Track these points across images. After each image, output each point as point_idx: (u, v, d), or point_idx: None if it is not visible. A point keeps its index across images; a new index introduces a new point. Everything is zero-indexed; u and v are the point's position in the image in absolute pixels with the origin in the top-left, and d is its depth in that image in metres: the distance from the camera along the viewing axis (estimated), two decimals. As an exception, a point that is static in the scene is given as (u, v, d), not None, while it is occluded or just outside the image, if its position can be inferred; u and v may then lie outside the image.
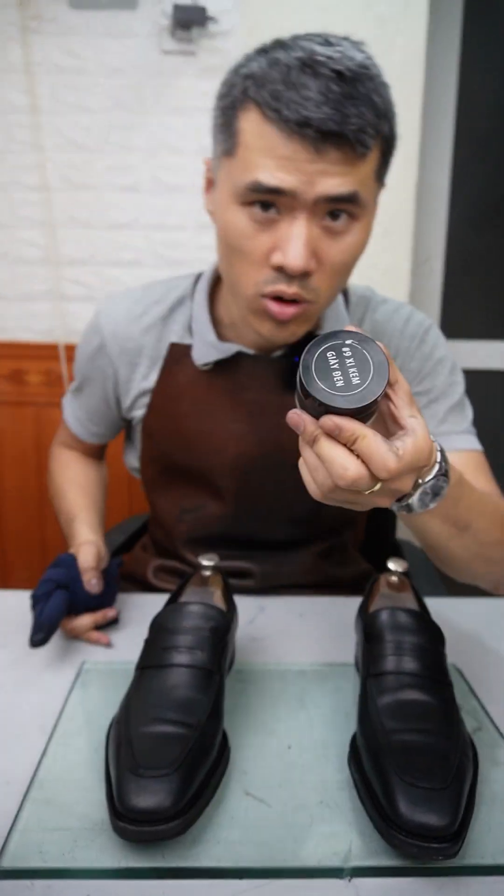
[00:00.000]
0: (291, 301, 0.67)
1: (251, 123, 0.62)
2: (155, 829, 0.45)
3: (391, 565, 0.67)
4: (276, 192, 0.62)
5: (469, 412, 0.86)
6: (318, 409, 0.43)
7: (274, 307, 0.67)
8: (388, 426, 0.48)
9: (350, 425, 0.43)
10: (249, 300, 0.69)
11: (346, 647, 0.72)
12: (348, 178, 0.61)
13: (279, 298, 0.67)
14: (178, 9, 1.40)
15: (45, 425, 1.67)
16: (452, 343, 1.91)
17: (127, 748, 0.49)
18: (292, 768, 0.55)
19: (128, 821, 0.45)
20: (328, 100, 0.58)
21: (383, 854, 0.47)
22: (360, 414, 0.43)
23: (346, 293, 0.85)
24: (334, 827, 0.49)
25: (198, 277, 0.87)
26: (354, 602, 0.82)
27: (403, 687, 0.55)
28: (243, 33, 1.46)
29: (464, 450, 0.82)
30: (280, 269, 0.64)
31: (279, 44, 0.63)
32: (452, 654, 0.67)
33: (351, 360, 0.42)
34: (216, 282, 0.84)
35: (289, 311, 0.67)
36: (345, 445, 0.44)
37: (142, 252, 1.59)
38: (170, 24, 1.44)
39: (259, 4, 1.46)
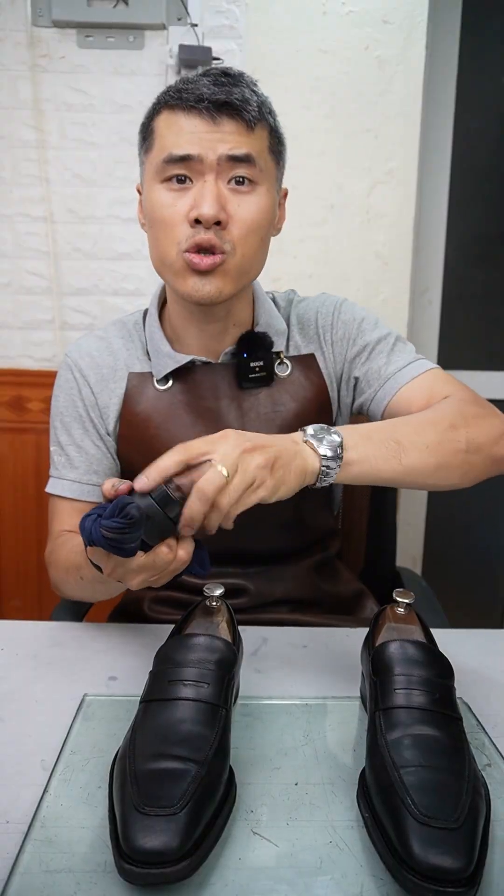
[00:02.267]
0: (209, 252, 0.76)
1: (162, 121, 0.77)
2: (162, 872, 0.43)
3: (398, 597, 0.66)
4: (185, 158, 0.75)
5: (409, 347, 0.90)
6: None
7: (194, 258, 0.76)
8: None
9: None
10: (173, 261, 0.78)
11: (351, 679, 0.71)
12: (242, 142, 0.75)
13: (199, 251, 0.76)
14: (183, 49, 1.44)
15: (45, 452, 1.65)
16: (450, 373, 1.93)
17: (132, 785, 0.48)
18: (300, 806, 0.53)
19: (133, 862, 0.44)
20: (217, 83, 0.75)
21: (396, 898, 0.45)
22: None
23: (273, 299, 0.94)
24: (345, 868, 0.48)
25: (145, 312, 0.94)
26: (358, 633, 0.81)
27: (413, 722, 0.54)
28: (247, 73, 1.51)
29: (416, 376, 0.85)
30: (196, 223, 0.75)
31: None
32: (459, 688, 0.66)
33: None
34: (163, 304, 0.92)
35: (207, 260, 0.76)
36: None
37: (143, 282, 1.61)
38: (175, 64, 1.49)
39: (262, 45, 1.50)
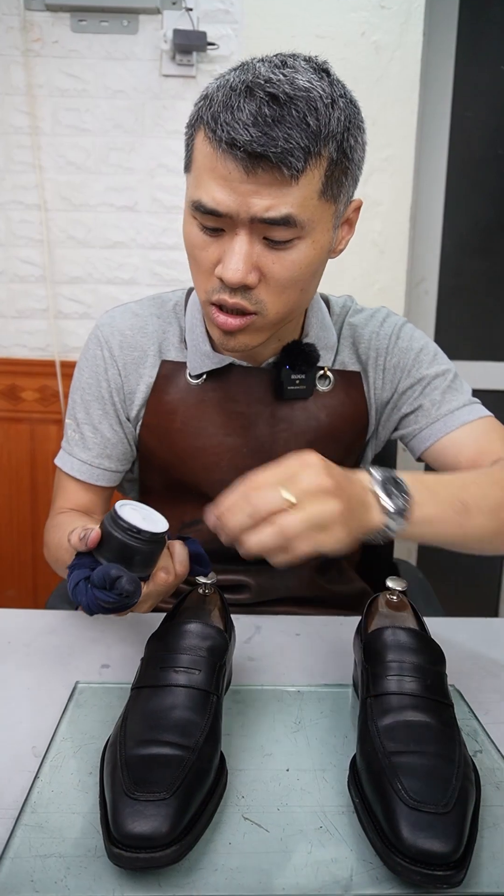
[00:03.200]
0: (236, 312, 0.69)
1: (200, 143, 0.66)
2: (151, 856, 0.43)
3: (390, 584, 0.66)
4: (214, 213, 0.65)
5: (466, 387, 0.86)
6: None
7: (219, 317, 0.69)
8: None
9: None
10: (203, 305, 0.72)
11: (344, 667, 0.71)
12: (281, 199, 0.63)
13: (223, 307, 0.69)
14: (178, 33, 1.43)
15: (39, 441, 1.66)
16: (447, 364, 1.93)
17: (122, 771, 0.48)
18: (290, 792, 0.53)
19: (123, 847, 0.44)
20: (257, 122, 0.60)
21: (385, 882, 0.45)
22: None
23: (328, 303, 0.88)
24: (335, 853, 0.48)
25: (190, 290, 0.88)
26: (351, 621, 0.81)
27: (404, 708, 0.54)
28: (243, 58, 1.49)
29: (468, 422, 0.82)
30: (223, 281, 0.67)
31: (242, 66, 0.65)
32: (452, 675, 0.66)
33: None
34: None
35: (232, 322, 0.69)
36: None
37: (138, 271, 1.60)
38: (170, 49, 1.47)
39: (258, 30, 1.49)
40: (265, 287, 0.67)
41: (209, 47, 1.45)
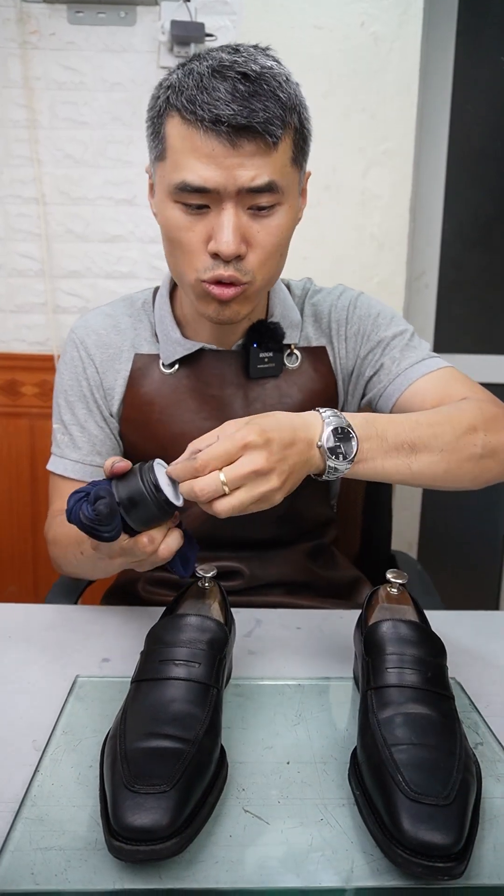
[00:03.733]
0: (230, 285, 0.73)
1: (175, 128, 0.69)
2: (152, 849, 0.43)
3: (391, 577, 0.66)
4: (201, 190, 0.68)
5: (424, 344, 0.88)
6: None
7: (215, 289, 0.73)
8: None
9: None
10: (193, 285, 0.75)
11: (344, 660, 0.71)
12: (263, 168, 0.68)
13: (219, 282, 0.73)
14: (176, 25, 1.42)
15: (39, 436, 1.66)
16: (446, 356, 1.92)
17: (122, 763, 0.48)
18: (291, 784, 0.53)
19: (123, 840, 0.44)
20: (235, 98, 0.66)
21: (386, 874, 0.45)
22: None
23: (288, 286, 0.92)
24: (335, 845, 0.48)
25: (155, 290, 0.92)
26: (352, 615, 0.81)
27: (405, 700, 0.54)
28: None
29: (428, 372, 0.84)
30: (216, 256, 0.71)
31: (195, 57, 0.71)
32: (452, 668, 0.66)
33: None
34: (175, 286, 0.89)
35: (228, 291, 0.73)
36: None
37: (137, 264, 1.60)
38: (168, 41, 1.46)
39: (256, 22, 1.48)
40: (253, 255, 0.72)
41: (207, 39, 1.44)
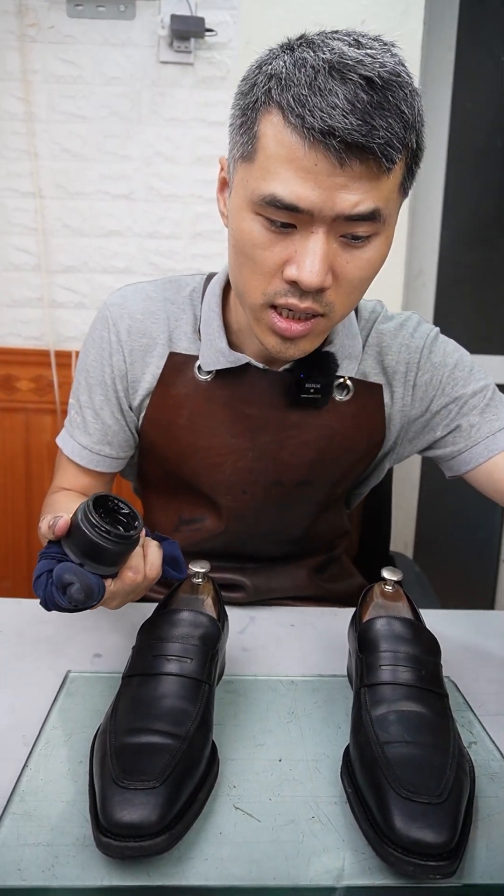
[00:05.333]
0: (302, 317, 0.64)
1: (273, 128, 0.58)
2: (140, 845, 0.43)
3: (386, 574, 0.65)
4: (292, 208, 0.58)
5: (498, 400, 0.82)
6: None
7: (280, 323, 0.64)
8: None
9: None
10: (256, 310, 0.66)
11: (338, 658, 0.71)
12: (370, 194, 0.58)
13: (287, 312, 0.64)
14: (176, 19, 1.41)
15: (34, 432, 1.65)
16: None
17: (112, 759, 0.48)
18: (283, 782, 0.53)
19: (112, 836, 0.43)
20: (355, 108, 0.54)
21: (377, 872, 0.45)
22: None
23: (356, 308, 0.82)
24: (327, 843, 0.47)
25: (208, 278, 0.83)
26: (346, 613, 0.80)
27: (399, 698, 0.53)
28: (241, 45, 1.48)
29: None
30: (293, 283, 0.61)
31: (306, 42, 0.58)
32: (447, 667, 0.66)
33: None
34: (228, 285, 0.80)
35: (297, 327, 0.64)
36: None
37: (134, 260, 1.59)
38: (168, 35, 1.45)
39: (257, 17, 1.47)
40: (336, 288, 0.63)
41: (207, 34, 1.44)
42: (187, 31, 1.41)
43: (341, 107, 0.54)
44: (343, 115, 0.54)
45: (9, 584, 1.71)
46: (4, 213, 1.56)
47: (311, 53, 0.56)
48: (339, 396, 0.78)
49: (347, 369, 0.78)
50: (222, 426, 0.78)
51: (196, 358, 0.79)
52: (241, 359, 0.76)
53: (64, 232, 1.57)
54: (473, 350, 1.81)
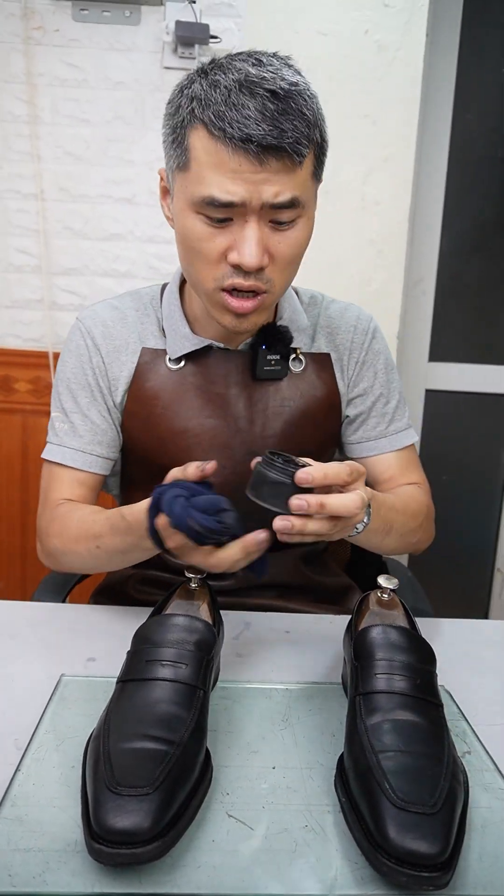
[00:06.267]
0: (249, 293, 0.73)
1: (200, 141, 0.69)
2: (132, 852, 0.42)
3: (382, 582, 0.65)
4: (228, 205, 0.69)
5: (405, 404, 0.96)
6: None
7: (233, 302, 0.74)
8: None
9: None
10: (209, 294, 0.75)
11: (333, 665, 0.71)
12: (288, 185, 0.69)
13: (237, 291, 0.73)
14: (180, 26, 1.42)
15: (31, 433, 1.65)
16: (442, 365, 1.92)
17: (105, 764, 0.47)
18: (276, 790, 0.53)
19: (104, 842, 0.43)
20: (265, 117, 0.66)
21: (370, 882, 0.45)
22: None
23: (297, 293, 0.93)
24: (319, 852, 0.47)
25: (163, 287, 0.92)
26: (341, 620, 0.80)
27: (394, 707, 0.53)
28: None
29: (406, 446, 0.94)
30: (237, 267, 0.71)
31: (216, 65, 0.70)
32: (441, 676, 0.65)
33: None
34: (184, 282, 0.89)
35: (248, 304, 0.74)
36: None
37: (135, 264, 1.59)
38: (172, 41, 1.46)
39: (260, 24, 1.48)
40: (273, 266, 0.73)
41: (211, 40, 1.44)
42: (192, 37, 1.42)
43: (254, 117, 0.66)
44: (256, 124, 0.66)
45: (2, 585, 1.71)
46: (6, 215, 1.56)
47: (223, 75, 0.68)
48: (294, 369, 0.88)
49: (298, 342, 0.88)
50: (195, 409, 0.85)
51: (164, 352, 0.87)
52: (202, 341, 0.85)
53: (65, 234, 1.57)
54: (472, 359, 1.83)
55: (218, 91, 0.67)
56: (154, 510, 0.63)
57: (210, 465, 0.64)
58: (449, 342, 1.82)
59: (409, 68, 1.50)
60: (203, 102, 0.68)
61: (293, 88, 0.67)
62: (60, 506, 0.85)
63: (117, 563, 0.80)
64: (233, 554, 0.62)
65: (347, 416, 0.93)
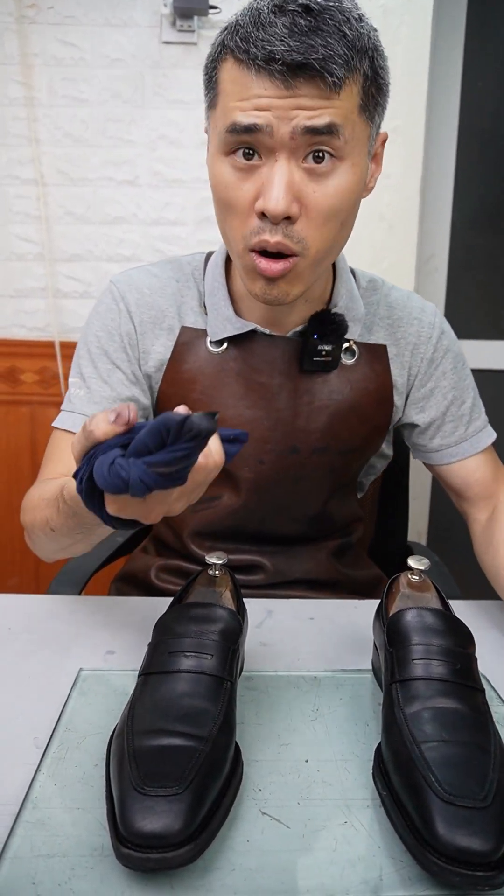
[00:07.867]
0: (278, 256, 0.65)
1: (227, 72, 0.62)
2: (163, 856, 0.40)
3: (412, 563, 0.62)
4: (251, 129, 0.60)
5: (479, 400, 0.89)
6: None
7: (262, 263, 0.65)
8: None
9: None
10: (241, 256, 0.67)
11: (360, 652, 0.68)
12: (323, 109, 0.60)
13: (266, 253, 0.65)
14: (178, -3, 1.37)
15: (39, 424, 1.62)
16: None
17: (130, 763, 0.44)
18: (311, 784, 0.50)
19: (132, 846, 0.40)
20: (293, 33, 0.58)
21: (419, 883, 0.42)
22: None
23: (355, 275, 0.84)
24: (362, 851, 0.44)
25: (207, 256, 0.83)
26: (366, 604, 0.77)
27: (433, 694, 0.50)
28: None
29: (488, 445, 0.86)
30: (263, 216, 0.63)
31: None
32: (478, 660, 0.62)
33: None
34: (230, 257, 0.79)
35: (276, 266, 0.65)
36: None
37: (139, 247, 1.55)
38: (170, 13, 1.41)
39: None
40: (306, 220, 0.63)
41: (211, 11, 1.39)
42: (190, 8, 1.38)
43: (279, 34, 0.58)
44: (281, 41, 0.58)
45: (16, 580, 1.69)
46: (6, 201, 1.53)
47: (260, 1, 0.61)
48: (346, 360, 0.80)
49: (353, 332, 0.80)
50: (235, 397, 0.78)
51: (205, 332, 0.79)
52: (247, 324, 0.77)
53: (67, 219, 1.54)
54: (484, 335, 1.78)
55: (249, 14, 0.60)
56: (90, 498, 0.47)
57: (134, 411, 0.46)
58: (461, 319, 1.77)
59: (417, 33, 1.44)
60: (233, 29, 0.61)
61: (332, 4, 0.59)
62: (51, 481, 0.74)
63: (77, 546, 0.69)
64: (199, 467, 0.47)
65: (418, 426, 0.85)
